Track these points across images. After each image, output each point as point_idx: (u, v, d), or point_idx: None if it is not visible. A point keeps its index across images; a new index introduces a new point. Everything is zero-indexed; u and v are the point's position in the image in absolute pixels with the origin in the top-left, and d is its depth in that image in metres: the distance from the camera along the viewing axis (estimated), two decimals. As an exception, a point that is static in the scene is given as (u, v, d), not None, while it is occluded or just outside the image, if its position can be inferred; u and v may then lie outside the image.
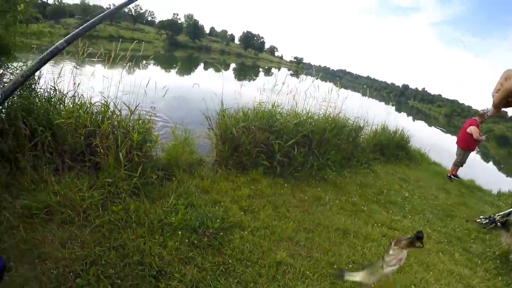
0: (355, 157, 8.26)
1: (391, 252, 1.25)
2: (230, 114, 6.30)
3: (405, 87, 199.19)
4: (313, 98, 7.25)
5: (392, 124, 10.88)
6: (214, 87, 6.17)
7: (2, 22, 4.37)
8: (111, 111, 4.82)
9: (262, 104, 6.65)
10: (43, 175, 4.07)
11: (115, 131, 4.57)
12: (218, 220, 4.01)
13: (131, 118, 4.89)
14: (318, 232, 4.51)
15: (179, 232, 3.74)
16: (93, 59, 5.12)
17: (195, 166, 5.51)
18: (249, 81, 39.16)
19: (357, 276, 1.51)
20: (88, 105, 4.83)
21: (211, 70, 38.17)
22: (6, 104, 4.61)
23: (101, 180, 4.18)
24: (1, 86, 4.75)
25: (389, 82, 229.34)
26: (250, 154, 5.88)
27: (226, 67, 60.37)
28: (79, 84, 5.01)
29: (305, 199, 5.37)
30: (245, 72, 55.52)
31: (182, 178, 4.97)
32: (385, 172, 8.78)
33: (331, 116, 7.49)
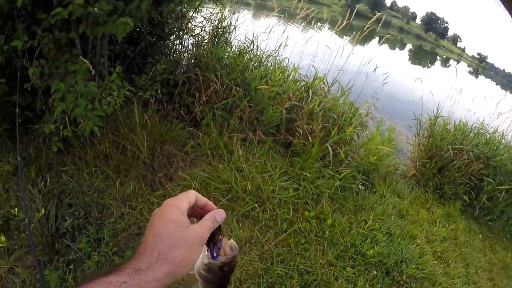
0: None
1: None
2: (442, 125, 5.39)
3: None
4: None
5: None
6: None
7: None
8: (320, 87, 4.09)
9: (484, 125, 5.55)
10: (229, 144, 3.55)
11: (325, 115, 3.83)
12: (413, 266, 3.40)
13: (343, 102, 4.16)
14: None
15: (374, 272, 3.10)
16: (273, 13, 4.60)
17: (391, 174, 4.77)
18: (423, 67, 36.26)
19: None
20: (293, 73, 4.16)
21: (385, 46, 35.76)
22: (195, 49, 4.24)
23: (296, 170, 3.55)
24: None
25: None
26: (454, 183, 4.95)
27: (402, 47, 56.11)
28: (284, 44, 4.29)
29: (494, 263, 4.57)
30: (421, 57, 51.16)
31: (381, 190, 4.27)
32: None
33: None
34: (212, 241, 0.70)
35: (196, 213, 0.72)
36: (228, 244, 0.74)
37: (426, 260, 3.62)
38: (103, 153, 3.09)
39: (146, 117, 3.24)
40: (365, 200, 3.89)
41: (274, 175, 3.41)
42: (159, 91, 3.50)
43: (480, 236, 4.79)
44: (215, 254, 0.70)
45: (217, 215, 0.70)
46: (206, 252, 0.71)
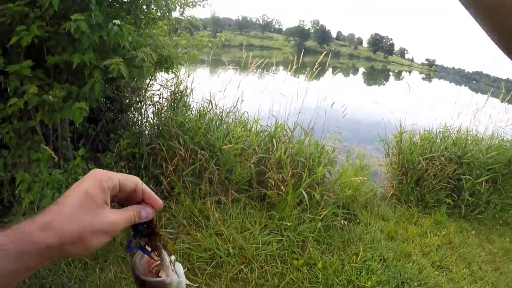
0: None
1: None
2: (408, 139, 5.50)
3: None
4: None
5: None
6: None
7: (157, 30, 3.94)
8: (283, 134, 4.22)
9: (448, 127, 5.71)
10: (204, 210, 3.50)
11: (293, 161, 3.91)
12: (415, 284, 3.37)
13: (308, 143, 4.27)
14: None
15: (377, 303, 3.03)
16: (230, 67, 4.83)
17: (371, 199, 4.82)
18: (378, 86, 38.00)
19: None
20: (254, 125, 4.29)
21: (339, 75, 37.50)
22: (156, 118, 4.31)
23: (276, 222, 3.55)
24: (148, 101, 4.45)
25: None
26: (434, 190, 5.05)
27: (355, 72, 58.59)
28: (241, 99, 4.42)
29: (494, 252, 4.62)
30: (374, 77, 53.62)
31: (365, 219, 4.31)
32: None
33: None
34: (138, 236, 0.63)
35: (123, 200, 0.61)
36: (170, 266, 0.64)
37: (427, 274, 3.61)
38: (78, 241, 3.00)
39: (116, 198, 3.16)
40: (351, 233, 3.88)
41: (255, 231, 3.38)
42: (125, 167, 3.48)
43: (473, 232, 4.87)
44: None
45: (143, 210, 0.60)
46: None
